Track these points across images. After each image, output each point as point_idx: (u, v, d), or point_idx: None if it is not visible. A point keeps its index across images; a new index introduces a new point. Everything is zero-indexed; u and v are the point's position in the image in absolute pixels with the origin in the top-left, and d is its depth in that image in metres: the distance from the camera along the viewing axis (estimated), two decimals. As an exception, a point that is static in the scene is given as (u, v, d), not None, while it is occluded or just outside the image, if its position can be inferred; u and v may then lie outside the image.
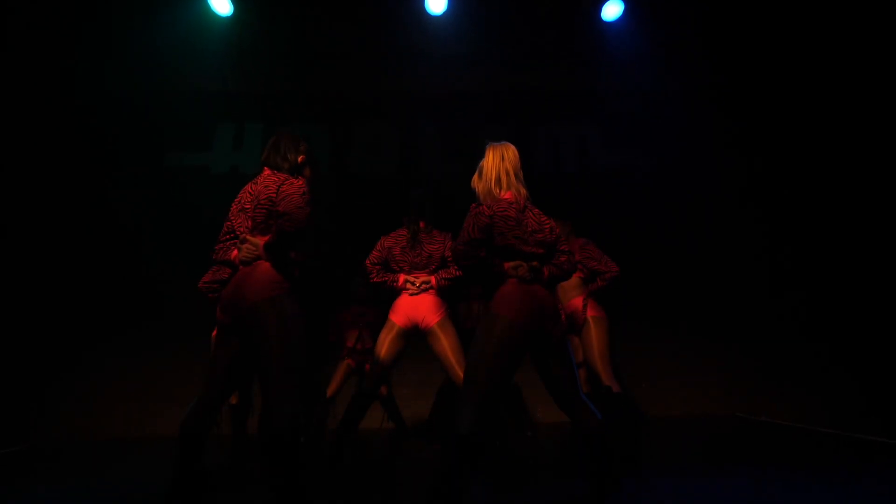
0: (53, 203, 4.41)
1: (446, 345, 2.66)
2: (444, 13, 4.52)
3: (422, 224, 2.86)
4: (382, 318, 3.54)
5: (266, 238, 1.78)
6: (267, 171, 1.91)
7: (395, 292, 2.80)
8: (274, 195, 1.79)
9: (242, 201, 1.90)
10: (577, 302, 2.83)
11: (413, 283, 2.75)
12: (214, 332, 2.96)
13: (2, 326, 4.07)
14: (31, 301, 4.19)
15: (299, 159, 1.95)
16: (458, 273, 2.75)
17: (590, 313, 2.78)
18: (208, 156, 4.82)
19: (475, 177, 1.98)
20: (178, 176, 4.73)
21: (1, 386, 3.98)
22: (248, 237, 1.81)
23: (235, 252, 1.84)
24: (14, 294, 4.15)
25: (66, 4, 4.17)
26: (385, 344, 2.69)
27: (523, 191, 1.92)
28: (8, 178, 4.26)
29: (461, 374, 2.59)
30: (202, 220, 4.40)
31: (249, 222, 1.84)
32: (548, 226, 1.91)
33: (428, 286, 2.75)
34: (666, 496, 2.00)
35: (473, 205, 1.88)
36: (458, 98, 4.96)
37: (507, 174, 1.90)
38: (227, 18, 4.43)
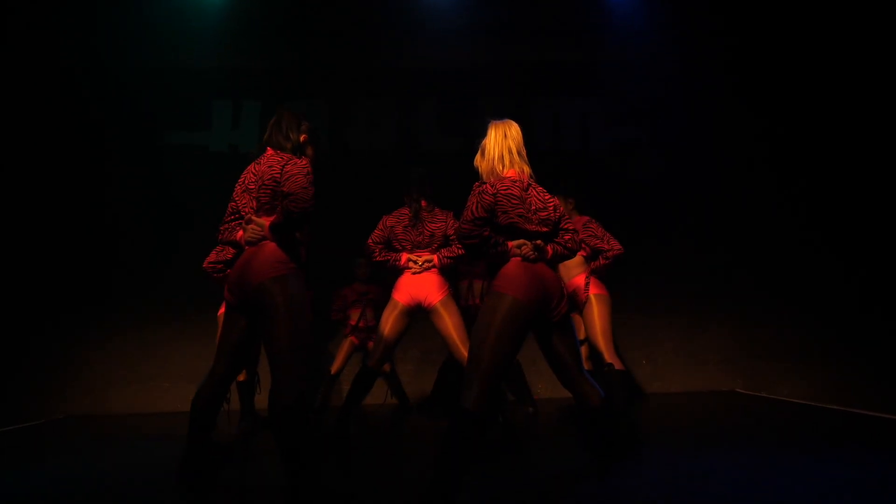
0: (55, 184, 4.38)
1: (449, 323, 2.69)
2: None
3: (423, 203, 2.85)
4: (385, 296, 3.58)
5: (272, 218, 1.77)
6: (270, 151, 1.88)
7: (398, 271, 2.81)
8: (278, 175, 1.77)
9: (246, 182, 1.88)
10: (580, 280, 2.84)
11: (416, 262, 2.76)
12: (220, 311, 3.00)
13: (16, 308, 4.10)
14: (38, 280, 4.21)
15: (301, 138, 1.93)
16: (460, 251, 2.75)
17: (592, 291, 2.79)
18: (207, 134, 4.76)
19: (478, 155, 1.96)
20: (177, 154, 4.67)
21: (17, 366, 4.05)
22: (254, 218, 1.80)
23: (241, 233, 1.83)
24: (21, 275, 4.17)
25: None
26: (389, 322, 2.72)
27: (527, 169, 1.90)
28: (7, 160, 4.21)
29: (464, 352, 2.62)
30: (202, 198, 4.40)
31: (254, 203, 1.83)
32: (552, 204, 1.89)
33: (430, 265, 2.76)
34: (664, 470, 2.05)
35: (476, 183, 1.86)
36: (456, 73, 4.86)
37: (510, 152, 1.88)
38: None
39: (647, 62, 4.83)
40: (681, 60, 4.85)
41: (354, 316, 3.83)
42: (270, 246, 1.76)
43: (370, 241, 2.84)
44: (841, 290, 4.33)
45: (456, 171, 3.89)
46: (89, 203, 4.45)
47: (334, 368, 3.81)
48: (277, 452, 1.57)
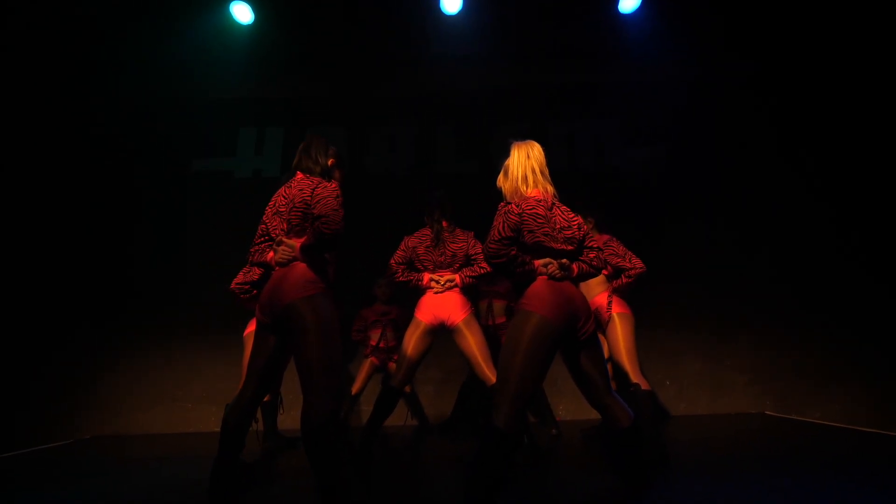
0: (87, 209, 4.56)
1: (472, 342, 2.70)
2: (459, 12, 4.55)
3: (445, 223, 2.90)
4: (405, 316, 3.62)
5: (302, 240, 1.83)
6: (300, 175, 1.96)
7: (420, 291, 2.84)
8: (309, 198, 1.84)
9: (277, 204, 1.95)
10: (602, 299, 2.84)
11: (438, 282, 2.79)
12: (246, 332, 3.06)
13: (47, 331, 4.24)
14: (70, 303, 4.35)
15: (329, 162, 2.01)
16: (482, 271, 2.79)
17: (615, 310, 2.78)
18: (232, 161, 4.94)
19: (500, 176, 2.01)
20: (203, 181, 4.85)
21: (47, 387, 4.16)
22: (284, 239, 1.87)
23: (271, 254, 1.90)
24: (51, 298, 4.31)
25: (89, 18, 4.30)
26: (412, 342, 2.74)
27: (550, 188, 1.94)
28: (40, 187, 4.42)
29: (487, 371, 2.62)
30: (228, 222, 4.54)
31: (285, 225, 1.90)
32: (576, 222, 1.92)
33: (452, 284, 2.79)
34: (693, 494, 2.00)
35: (502, 203, 1.90)
36: (473, 97, 4.98)
37: (534, 172, 1.92)
38: (247, 26, 4.53)
39: (661, 83, 4.89)
40: (695, 82, 4.90)
41: (375, 336, 3.85)
42: (301, 266, 1.81)
43: (392, 261, 2.89)
44: (873, 309, 4.21)
45: (474, 194, 3.99)
46: (120, 229, 4.61)
47: (355, 389, 3.81)
48: (311, 470, 1.59)
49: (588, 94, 4.98)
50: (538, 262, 1.82)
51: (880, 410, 3.82)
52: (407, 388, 3.76)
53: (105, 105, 4.72)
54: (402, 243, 2.93)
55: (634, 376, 2.63)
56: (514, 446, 1.61)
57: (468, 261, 2.85)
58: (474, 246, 2.84)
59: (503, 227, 1.79)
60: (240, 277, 2.76)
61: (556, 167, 4.80)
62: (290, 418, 3.47)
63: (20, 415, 3.96)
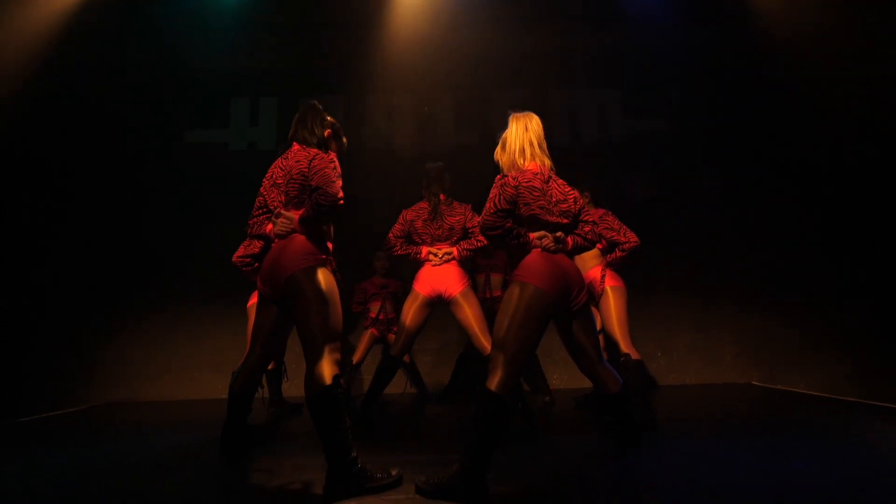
0: (85, 182, 4.55)
1: (470, 313, 2.77)
2: (460, -21, 4.42)
3: (442, 196, 2.93)
4: (404, 289, 3.68)
5: (300, 212, 1.85)
6: (296, 147, 1.96)
7: (418, 264, 2.89)
8: (306, 170, 1.85)
9: (274, 176, 1.96)
10: (596, 272, 2.89)
11: (436, 255, 2.84)
12: (250, 303, 3.12)
13: (62, 303, 4.33)
14: (81, 278, 4.41)
15: (326, 133, 2.00)
16: (479, 244, 2.83)
17: (608, 283, 2.84)
18: (226, 133, 4.88)
19: (498, 148, 2.02)
20: (198, 153, 4.80)
21: (62, 356, 4.26)
22: (283, 211, 1.89)
23: (270, 226, 1.92)
24: (65, 273, 4.38)
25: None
26: (410, 313, 2.81)
27: (547, 161, 1.96)
28: (40, 161, 4.39)
29: (484, 341, 2.70)
30: (224, 194, 4.53)
31: (283, 197, 1.91)
32: (572, 196, 1.95)
33: (450, 257, 2.84)
34: (679, 456, 2.11)
35: (499, 176, 1.92)
36: (472, 65, 4.87)
37: (531, 145, 1.93)
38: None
39: (668, 51, 4.79)
40: (702, 49, 4.81)
41: (374, 308, 3.92)
42: (300, 238, 1.84)
43: (391, 235, 2.93)
44: (857, 284, 4.29)
45: (473, 164, 3.99)
46: (120, 201, 4.59)
47: (355, 359, 3.91)
48: (316, 433, 1.67)
49: (590, 63, 4.89)
50: (533, 235, 1.86)
51: (861, 380, 3.94)
52: (406, 358, 3.86)
53: (97, 78, 4.63)
54: (400, 217, 2.96)
55: (625, 347, 2.72)
56: (508, 412, 1.69)
57: (466, 234, 2.89)
58: (472, 219, 2.88)
59: (499, 200, 1.82)
60: (241, 251, 2.78)
61: (557, 138, 4.83)
62: (293, 386, 3.58)
63: (36, 382, 4.06)
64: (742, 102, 4.72)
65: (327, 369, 1.66)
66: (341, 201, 1.81)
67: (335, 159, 1.90)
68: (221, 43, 4.73)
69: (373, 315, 3.92)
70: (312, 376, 1.66)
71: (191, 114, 4.83)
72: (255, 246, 2.69)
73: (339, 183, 1.83)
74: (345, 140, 2.11)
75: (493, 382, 1.67)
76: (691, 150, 4.75)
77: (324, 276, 1.78)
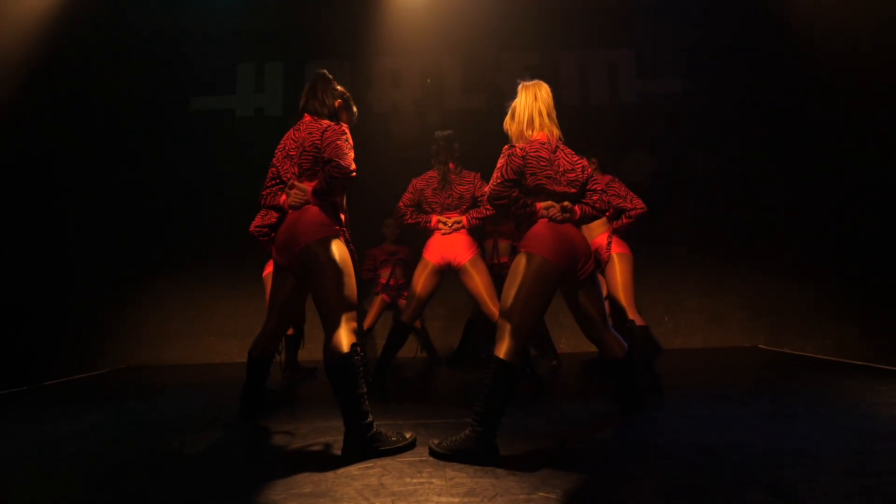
0: (96, 151, 4.58)
1: (479, 281, 2.81)
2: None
3: (451, 165, 2.91)
4: (414, 255, 3.72)
5: (314, 183, 1.87)
6: (308, 118, 1.95)
7: (428, 232, 2.91)
8: (318, 142, 1.85)
9: (287, 148, 1.96)
10: (602, 239, 2.89)
11: (445, 223, 2.85)
12: (265, 272, 3.18)
13: (86, 272, 4.44)
14: (100, 248, 4.52)
15: (336, 103, 1.98)
16: (488, 212, 2.83)
17: (614, 250, 2.84)
18: (233, 99, 4.82)
19: (507, 118, 1.99)
20: (205, 120, 4.78)
21: (86, 322, 4.43)
22: (296, 183, 1.90)
23: (284, 197, 1.94)
24: (85, 244, 4.48)
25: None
26: (420, 280, 2.86)
27: (556, 131, 1.93)
28: (46, 129, 4.39)
29: (493, 308, 2.75)
30: (233, 161, 4.53)
31: (296, 168, 1.92)
32: (580, 165, 1.93)
33: (460, 226, 2.86)
34: (684, 418, 2.17)
35: (506, 146, 1.90)
36: (480, 27, 4.71)
37: (540, 115, 1.90)
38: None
39: (682, 9, 4.58)
40: (716, 7, 4.58)
41: (384, 275, 3.98)
42: (313, 210, 1.86)
43: (401, 203, 2.94)
44: (865, 249, 4.22)
45: (481, 128, 3.91)
46: (133, 168, 4.63)
47: (367, 324, 4.01)
48: (335, 397, 1.74)
49: (602, 22, 4.70)
50: (540, 205, 1.86)
51: (868, 344, 3.96)
52: (417, 324, 3.95)
53: (102, 46, 4.56)
54: (410, 185, 2.96)
55: (631, 314, 2.75)
56: (517, 378, 1.74)
57: (475, 202, 2.89)
58: (481, 187, 2.87)
59: (506, 170, 1.82)
60: (258, 220, 2.80)
61: (567, 100, 4.70)
62: (308, 352, 3.70)
63: (62, 346, 4.24)
64: (758, 63, 4.53)
65: (345, 338, 1.72)
66: (354, 173, 1.82)
67: (346, 130, 1.89)
68: (226, 8, 4.62)
69: (383, 281, 3.98)
70: (331, 345, 1.72)
71: (197, 80, 4.77)
72: (272, 216, 2.72)
73: (352, 154, 1.83)
74: (355, 109, 2.08)
75: (502, 350, 1.72)
76: (703, 113, 4.62)
77: (337, 248, 1.81)
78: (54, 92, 4.36)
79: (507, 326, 1.74)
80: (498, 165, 1.86)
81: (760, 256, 4.47)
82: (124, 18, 4.60)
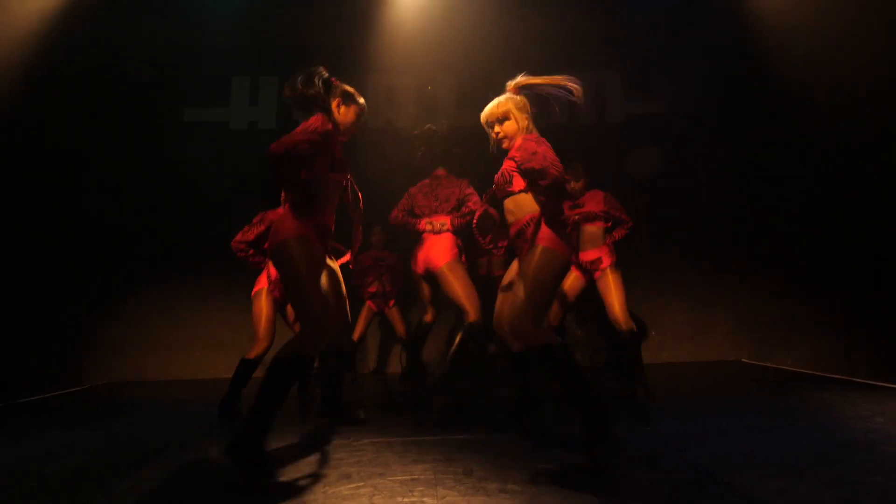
0: (86, 162, 4.55)
1: (454, 285, 2.88)
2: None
3: (441, 171, 3.04)
4: (401, 262, 3.79)
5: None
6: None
7: (416, 242, 3.03)
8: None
9: None
10: (598, 252, 2.97)
11: (431, 224, 2.96)
12: (254, 290, 3.14)
13: (67, 286, 4.36)
14: (83, 261, 4.44)
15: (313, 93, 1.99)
16: (469, 216, 2.93)
17: (606, 262, 2.93)
18: (226, 112, 4.85)
19: (511, 123, 2.08)
20: (199, 131, 4.79)
21: (65, 337, 4.33)
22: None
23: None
24: (68, 256, 4.39)
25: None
26: (421, 290, 3.11)
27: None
28: (38, 138, 4.36)
29: (468, 306, 2.85)
30: (226, 173, 4.55)
31: None
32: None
33: (444, 227, 2.96)
34: (667, 427, 2.22)
35: (523, 136, 2.01)
36: (473, 46, 4.84)
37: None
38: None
39: (663, 34, 4.77)
40: (697, 31, 4.78)
41: (372, 282, 3.98)
42: (283, 210, 1.90)
43: (396, 210, 3.13)
44: (843, 265, 4.36)
45: (475, 144, 3.97)
46: (120, 180, 4.60)
47: (356, 335, 3.98)
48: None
49: (590, 45, 4.86)
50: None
51: (846, 358, 4.08)
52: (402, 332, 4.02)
53: (97, 55, 4.58)
54: (406, 193, 3.14)
55: (625, 324, 2.82)
56: (564, 349, 1.88)
57: (460, 205, 3.00)
58: (465, 189, 2.98)
59: (550, 150, 1.90)
60: (239, 236, 2.78)
61: (558, 118, 4.81)
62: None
63: (37, 362, 4.12)
64: (739, 85, 4.72)
65: (293, 345, 1.79)
66: (272, 151, 1.71)
67: (315, 122, 1.85)
68: (223, 21, 4.68)
69: (370, 290, 3.97)
70: (287, 343, 1.80)
71: (192, 92, 4.80)
72: (251, 234, 2.72)
73: (296, 138, 1.73)
74: (352, 109, 2.10)
75: (520, 337, 1.92)
76: (687, 133, 4.78)
77: (294, 251, 1.79)
78: (44, 103, 4.34)
79: (529, 315, 1.89)
80: (538, 150, 1.88)
81: (744, 271, 4.59)
82: (123, 29, 4.63)
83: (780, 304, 4.49)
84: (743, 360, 4.45)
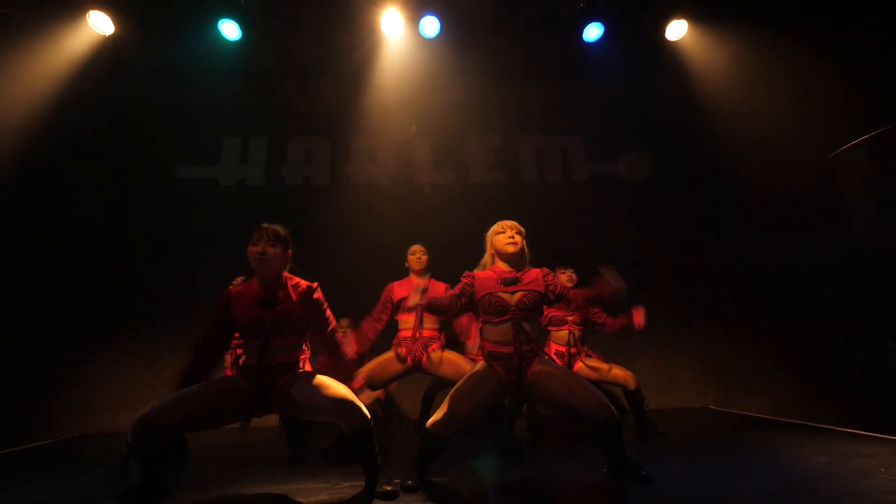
0: (74, 210, 4.69)
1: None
2: (437, 35, 4.85)
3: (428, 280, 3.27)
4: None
5: None
6: None
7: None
8: None
9: None
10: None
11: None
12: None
13: (39, 335, 4.35)
14: (58, 309, 4.47)
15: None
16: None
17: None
18: (217, 169, 5.11)
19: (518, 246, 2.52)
20: (189, 187, 5.00)
21: (37, 388, 4.27)
22: None
23: None
24: (43, 304, 4.43)
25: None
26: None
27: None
28: (27, 190, 4.51)
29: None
30: (214, 228, 4.71)
31: None
32: None
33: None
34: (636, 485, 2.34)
35: (541, 269, 2.50)
36: (447, 111, 5.29)
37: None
38: (235, 42, 4.73)
39: (620, 104, 5.33)
40: (652, 101, 5.35)
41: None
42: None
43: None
44: (807, 314, 4.67)
45: (449, 203, 4.27)
46: (108, 234, 4.73)
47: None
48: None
49: (554, 112, 5.38)
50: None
51: (804, 402, 4.30)
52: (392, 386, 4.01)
53: (92, 109, 4.84)
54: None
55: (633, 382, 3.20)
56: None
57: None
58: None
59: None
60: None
61: (527, 178, 5.22)
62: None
63: (7, 413, 4.05)
64: (692, 148, 5.23)
65: None
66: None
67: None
68: (215, 82, 5.03)
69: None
70: None
71: (184, 151, 5.06)
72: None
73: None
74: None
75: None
76: (646, 190, 5.21)
77: None
78: (38, 159, 4.53)
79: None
80: (557, 281, 2.48)
81: (708, 320, 4.85)
82: (118, 90, 4.94)
83: (744, 352, 4.74)
84: (709, 406, 4.61)
